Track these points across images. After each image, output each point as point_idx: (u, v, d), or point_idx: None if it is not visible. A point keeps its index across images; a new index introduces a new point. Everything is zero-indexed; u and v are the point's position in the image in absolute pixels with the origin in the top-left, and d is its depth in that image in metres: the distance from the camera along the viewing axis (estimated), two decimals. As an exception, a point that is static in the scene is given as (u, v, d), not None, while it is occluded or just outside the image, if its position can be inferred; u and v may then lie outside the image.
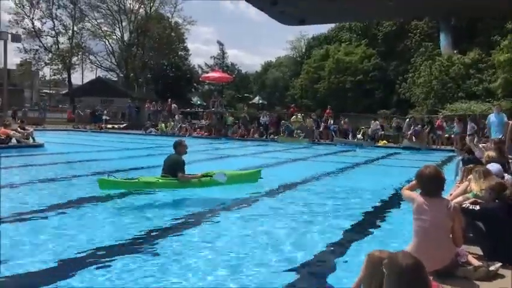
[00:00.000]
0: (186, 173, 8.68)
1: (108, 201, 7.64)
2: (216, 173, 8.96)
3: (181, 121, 28.98)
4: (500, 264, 3.98)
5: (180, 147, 8.84)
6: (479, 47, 33.60)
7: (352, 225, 6.50)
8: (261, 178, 9.87)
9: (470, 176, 5.34)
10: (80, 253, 4.90)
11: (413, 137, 21.88)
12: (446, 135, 22.98)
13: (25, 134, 17.25)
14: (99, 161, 13.53)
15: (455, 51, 33.81)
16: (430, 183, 3.93)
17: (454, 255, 3.91)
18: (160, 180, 8.46)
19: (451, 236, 3.90)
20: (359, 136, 23.67)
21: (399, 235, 5.68)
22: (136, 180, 8.32)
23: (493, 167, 5.75)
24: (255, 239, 5.68)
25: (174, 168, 8.51)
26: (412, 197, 4.03)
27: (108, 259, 4.75)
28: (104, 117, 31.80)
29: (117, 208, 7.32)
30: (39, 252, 4.93)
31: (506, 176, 6.01)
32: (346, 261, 4.88)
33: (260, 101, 47.83)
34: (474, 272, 3.87)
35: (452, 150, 19.26)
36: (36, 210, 6.84)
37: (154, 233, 5.84)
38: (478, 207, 4.48)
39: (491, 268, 3.91)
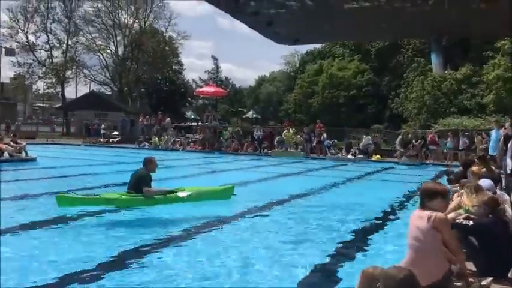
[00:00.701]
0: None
1: (66, 222, 7.13)
2: (185, 189, 8.65)
3: (174, 135, 28.93)
4: (491, 278, 3.99)
5: (150, 165, 8.39)
6: (472, 63, 33.93)
7: (345, 242, 6.48)
8: (234, 195, 9.50)
9: (462, 191, 5.36)
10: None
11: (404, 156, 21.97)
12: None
13: (17, 148, 17.14)
14: (90, 175, 13.38)
15: (446, 72, 34.01)
16: (419, 197, 4.05)
17: (447, 270, 3.86)
18: (123, 197, 7.98)
19: (443, 249, 3.84)
20: (349, 156, 23.39)
21: (395, 251, 5.66)
22: (98, 196, 7.95)
23: (485, 182, 5.77)
24: (224, 260, 5.42)
25: (139, 183, 8.05)
26: None
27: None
28: (102, 131, 31.69)
29: (74, 228, 6.82)
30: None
31: (498, 192, 6.03)
32: (340, 278, 4.85)
33: (254, 116, 48.00)
34: (467, 287, 3.87)
35: (446, 165, 19.39)
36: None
37: (113, 256, 5.48)
38: (471, 223, 4.49)
39: (483, 283, 3.92)
